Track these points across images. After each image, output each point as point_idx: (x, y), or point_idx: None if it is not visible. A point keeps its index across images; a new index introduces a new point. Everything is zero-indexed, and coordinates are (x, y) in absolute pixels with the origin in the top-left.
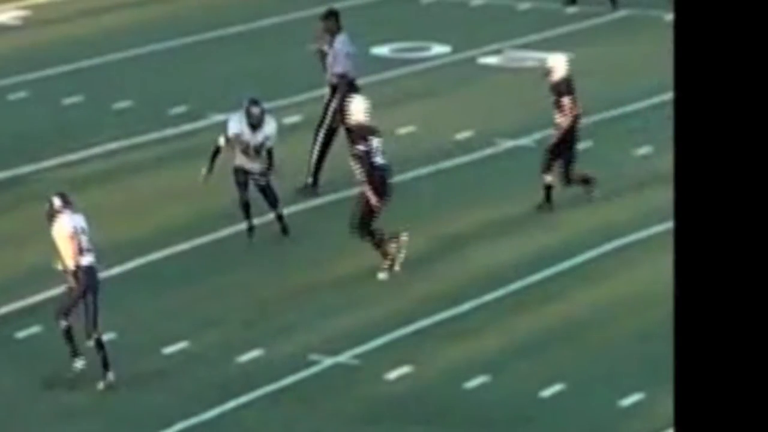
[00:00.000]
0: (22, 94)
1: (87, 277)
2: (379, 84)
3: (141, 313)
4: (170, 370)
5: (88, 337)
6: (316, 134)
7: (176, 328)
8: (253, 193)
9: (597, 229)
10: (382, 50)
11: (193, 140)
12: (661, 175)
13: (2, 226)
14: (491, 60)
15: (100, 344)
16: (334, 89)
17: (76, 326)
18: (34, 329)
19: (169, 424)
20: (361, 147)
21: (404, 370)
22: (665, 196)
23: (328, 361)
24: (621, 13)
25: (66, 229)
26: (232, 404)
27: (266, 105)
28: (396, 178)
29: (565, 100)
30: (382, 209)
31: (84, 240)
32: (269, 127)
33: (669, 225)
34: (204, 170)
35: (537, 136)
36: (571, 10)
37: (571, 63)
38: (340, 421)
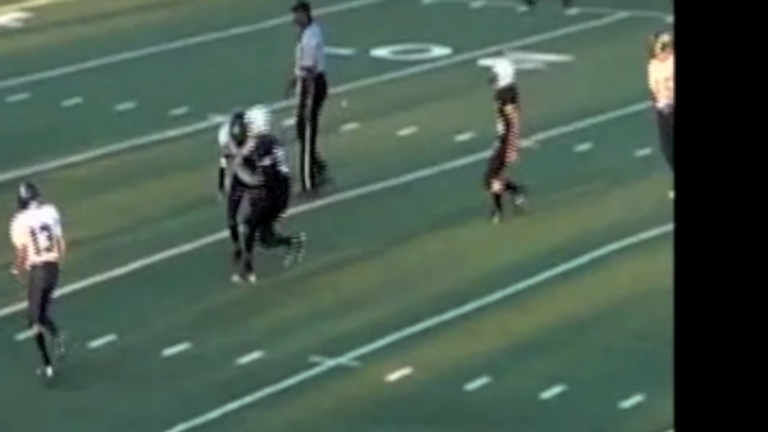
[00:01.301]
0: (22, 96)
1: (43, 274)
2: (380, 86)
3: (142, 315)
4: (171, 371)
5: (30, 325)
6: (302, 137)
7: (177, 329)
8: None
9: (597, 230)
10: (382, 52)
11: (194, 141)
12: (662, 176)
13: (2, 227)
14: (491, 62)
15: (42, 337)
16: (304, 83)
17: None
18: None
19: (171, 425)
20: (266, 161)
21: (405, 371)
22: (665, 197)
23: (328, 363)
24: (621, 14)
25: (21, 228)
26: (233, 405)
27: (267, 107)
28: (396, 180)
29: (509, 108)
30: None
31: (42, 239)
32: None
33: (669, 226)
34: (219, 195)
35: (537, 137)
36: (573, 11)
37: (571, 65)
38: (341, 422)
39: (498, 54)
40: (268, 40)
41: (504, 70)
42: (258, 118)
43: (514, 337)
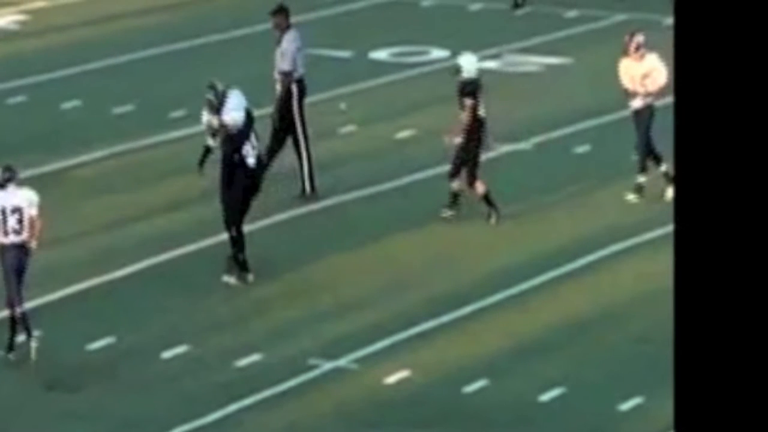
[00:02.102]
0: (21, 98)
1: (10, 256)
2: (379, 88)
3: (141, 317)
4: (171, 373)
5: (9, 307)
6: (296, 141)
7: (176, 332)
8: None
9: (595, 232)
10: (381, 54)
11: (193, 143)
12: (662, 178)
13: None
14: (490, 64)
15: (23, 318)
16: (287, 88)
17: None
18: (35, 333)
19: (170, 427)
20: (236, 157)
21: (403, 373)
22: (665, 199)
23: (327, 365)
24: (619, 17)
25: None
26: (232, 407)
27: (266, 109)
28: (396, 182)
29: (468, 101)
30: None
31: (12, 221)
32: (231, 102)
33: (669, 228)
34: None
35: (536, 139)
36: (571, 13)
37: (569, 67)
38: (340, 424)
39: (496, 56)
40: (268, 43)
41: (467, 63)
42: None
43: (513, 339)
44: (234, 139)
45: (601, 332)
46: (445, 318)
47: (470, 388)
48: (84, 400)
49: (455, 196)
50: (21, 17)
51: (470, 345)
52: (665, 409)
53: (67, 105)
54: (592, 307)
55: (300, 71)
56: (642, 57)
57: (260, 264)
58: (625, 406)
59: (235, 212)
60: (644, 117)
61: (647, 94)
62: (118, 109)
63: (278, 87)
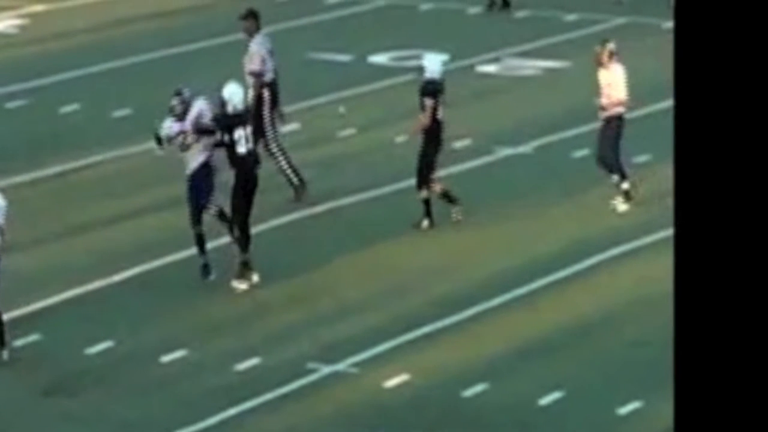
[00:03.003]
0: (20, 103)
1: None
2: (377, 92)
3: (140, 321)
4: (169, 377)
5: None
6: (267, 145)
7: (175, 335)
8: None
9: (595, 237)
10: (380, 58)
11: None
12: (661, 182)
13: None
14: (489, 68)
15: None
16: (259, 93)
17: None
18: (33, 337)
19: None
20: (225, 137)
21: (403, 377)
22: (665, 203)
23: (327, 369)
24: (618, 20)
25: None
26: (231, 411)
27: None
28: (395, 186)
29: (428, 102)
30: (242, 200)
31: None
32: (195, 108)
33: (668, 232)
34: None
35: (536, 143)
36: (571, 17)
37: (568, 71)
38: (339, 428)
39: (495, 60)
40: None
41: (431, 63)
42: (238, 94)
43: (512, 343)
44: (228, 121)
45: (600, 336)
46: (444, 321)
47: (470, 392)
48: (83, 404)
49: (445, 196)
50: (20, 21)
51: (470, 348)
52: (664, 413)
53: (67, 109)
54: (591, 311)
55: (271, 75)
56: (612, 64)
57: (260, 267)
58: (624, 409)
59: (235, 212)
60: (611, 125)
61: (610, 105)
62: (118, 113)
63: (250, 91)
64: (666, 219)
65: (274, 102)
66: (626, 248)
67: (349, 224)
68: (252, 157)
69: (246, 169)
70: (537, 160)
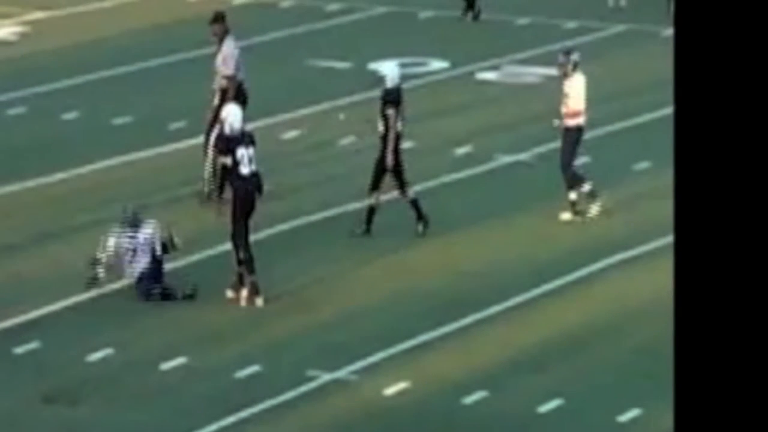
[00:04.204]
0: (20, 110)
1: None
2: (377, 99)
3: (140, 329)
4: (169, 385)
5: None
6: (207, 138)
7: (175, 343)
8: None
9: (595, 245)
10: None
11: (192, 154)
12: (660, 189)
13: (0, 240)
14: (489, 75)
15: None
16: (223, 93)
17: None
18: (33, 344)
19: None
20: (227, 159)
21: (403, 385)
22: (664, 210)
23: (326, 377)
24: (618, 28)
25: None
26: (231, 419)
27: (264, 121)
28: (394, 193)
29: (390, 111)
30: (241, 222)
31: None
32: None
33: (668, 239)
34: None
35: (536, 150)
36: (571, 24)
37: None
38: None
39: (496, 67)
40: (264, 55)
41: (390, 71)
42: (236, 114)
43: (512, 351)
44: (229, 140)
45: (598, 344)
46: (444, 329)
47: (469, 400)
48: (83, 412)
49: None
50: (20, 29)
51: (469, 356)
52: (664, 420)
53: (67, 116)
54: (590, 319)
55: (241, 75)
56: (574, 75)
57: (259, 275)
58: (624, 417)
59: (237, 236)
60: (572, 135)
61: (567, 115)
62: (118, 120)
63: (216, 97)
64: (661, 229)
65: (243, 102)
66: (624, 257)
67: (348, 231)
68: (255, 179)
69: (247, 189)
70: (537, 167)
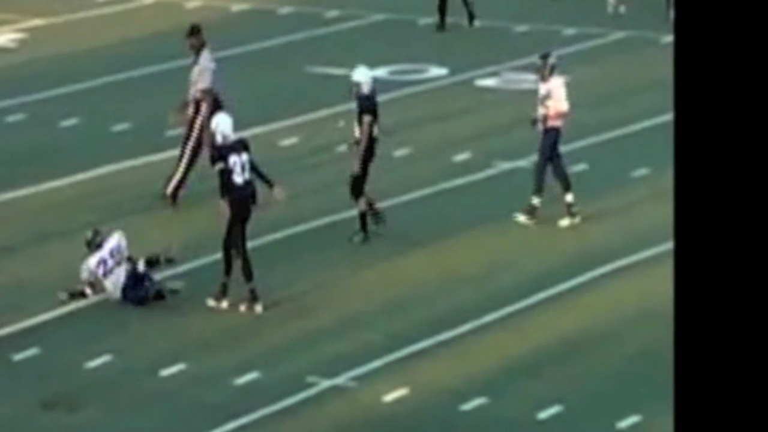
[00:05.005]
0: (19, 117)
1: None
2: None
3: (138, 335)
4: (168, 392)
5: None
6: (183, 149)
7: (174, 350)
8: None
9: (593, 251)
10: (379, 72)
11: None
12: (659, 196)
13: (0, 246)
14: (488, 82)
15: None
16: (197, 104)
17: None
18: (32, 351)
19: None
20: (220, 165)
21: (401, 391)
22: (664, 217)
23: (325, 383)
24: (618, 34)
25: None
26: (230, 426)
27: (263, 128)
28: (394, 200)
29: (366, 118)
30: (237, 229)
31: None
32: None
33: (667, 246)
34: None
35: (535, 157)
36: (570, 31)
37: (567, 85)
38: None
39: (495, 74)
40: (263, 61)
41: (364, 76)
42: (225, 122)
43: (510, 358)
44: (221, 149)
45: (597, 350)
46: (443, 336)
47: (468, 406)
48: (82, 418)
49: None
50: (19, 35)
51: (468, 363)
52: (663, 426)
53: (66, 123)
54: (588, 326)
55: (217, 88)
56: (551, 79)
57: (258, 282)
58: (624, 423)
59: (234, 246)
60: (551, 137)
61: (548, 117)
62: (117, 127)
63: (191, 108)
64: (659, 235)
65: (212, 114)
66: (623, 263)
67: (347, 238)
68: (249, 187)
69: (241, 197)
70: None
